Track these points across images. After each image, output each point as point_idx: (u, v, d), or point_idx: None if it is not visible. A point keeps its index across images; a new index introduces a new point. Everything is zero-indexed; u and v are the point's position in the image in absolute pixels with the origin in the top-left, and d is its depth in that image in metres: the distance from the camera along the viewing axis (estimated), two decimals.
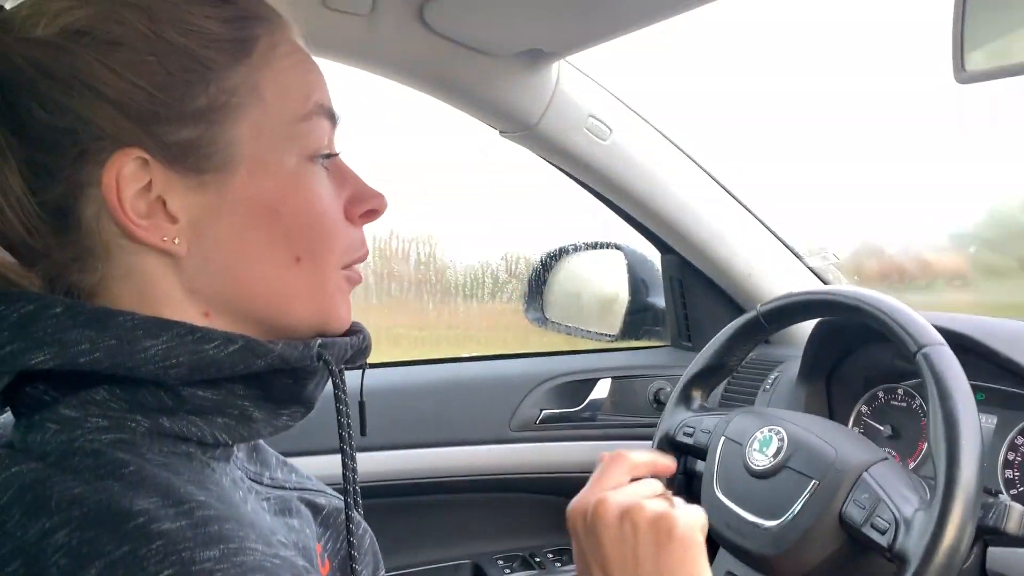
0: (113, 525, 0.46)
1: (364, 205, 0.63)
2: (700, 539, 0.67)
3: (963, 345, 0.99)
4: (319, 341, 0.59)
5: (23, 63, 0.54)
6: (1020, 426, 1.04)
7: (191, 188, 0.56)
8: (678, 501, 0.69)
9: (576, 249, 1.69)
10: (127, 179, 0.54)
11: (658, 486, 0.70)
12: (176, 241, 0.56)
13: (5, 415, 0.58)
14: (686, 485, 1.31)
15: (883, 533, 0.84)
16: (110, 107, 0.53)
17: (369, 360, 0.67)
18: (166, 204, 0.55)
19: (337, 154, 0.62)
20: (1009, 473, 1.03)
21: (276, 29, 0.59)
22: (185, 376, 0.54)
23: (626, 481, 0.71)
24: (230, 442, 0.57)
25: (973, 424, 0.84)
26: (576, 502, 0.70)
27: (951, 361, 0.89)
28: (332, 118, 0.62)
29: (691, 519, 0.66)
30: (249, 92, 0.57)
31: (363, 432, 0.78)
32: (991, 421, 1.06)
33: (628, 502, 0.67)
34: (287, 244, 0.58)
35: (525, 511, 1.48)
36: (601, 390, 1.55)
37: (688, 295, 1.54)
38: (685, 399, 1.18)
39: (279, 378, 0.58)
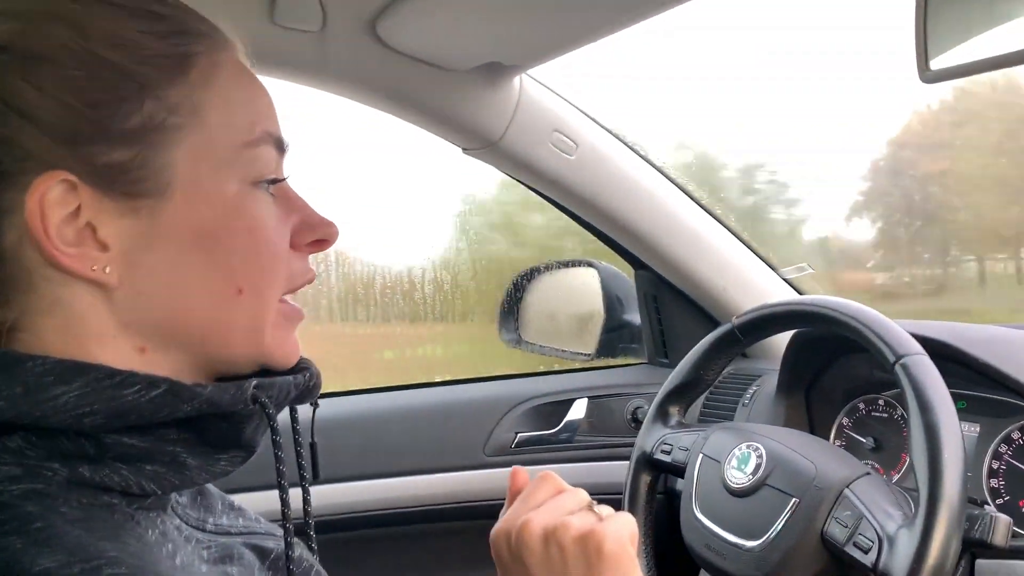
0: None
1: (312, 234, 0.61)
2: (631, 551, 0.64)
3: (942, 353, 0.97)
4: (254, 382, 0.55)
5: None
6: (1004, 433, 1.02)
7: (122, 213, 0.53)
8: (605, 510, 0.66)
9: (548, 268, 1.66)
10: (52, 204, 0.50)
11: (584, 496, 0.67)
12: (107, 270, 0.52)
13: None
14: (666, 504, 1.28)
15: (866, 552, 0.81)
16: (33, 127, 0.50)
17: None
18: (96, 231, 0.52)
19: (283, 179, 0.60)
20: (994, 482, 1.01)
21: (218, 47, 0.57)
22: (102, 424, 0.50)
23: (550, 498, 0.67)
24: (159, 491, 0.54)
25: (955, 436, 0.82)
26: (499, 526, 0.67)
27: (930, 370, 0.86)
28: (280, 146, 0.59)
29: (620, 531, 0.63)
30: (189, 113, 0.54)
31: (315, 475, 0.75)
32: (974, 429, 1.04)
33: (552, 522, 0.63)
34: (229, 274, 0.55)
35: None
36: (578, 410, 1.52)
37: (663, 311, 1.51)
38: (662, 416, 1.15)
39: (213, 422, 0.55)
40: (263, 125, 0.57)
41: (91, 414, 0.50)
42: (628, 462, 1.18)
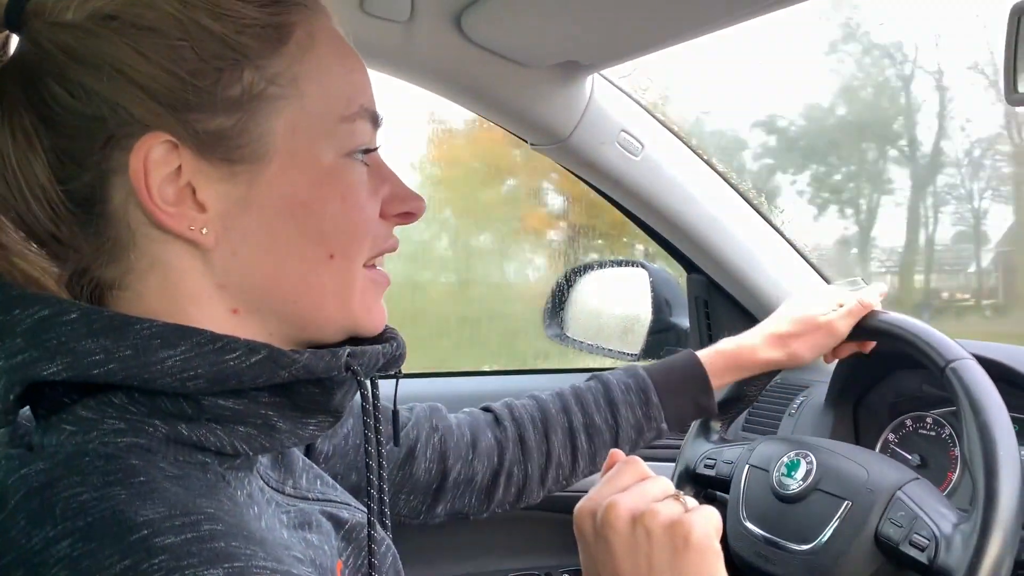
0: (116, 537, 0.45)
1: (401, 206, 0.62)
2: (717, 545, 0.64)
3: (998, 374, 0.98)
4: (348, 350, 0.57)
5: (52, 48, 0.53)
6: None
7: (221, 178, 0.54)
8: (690, 501, 0.66)
9: (600, 266, 1.67)
10: (155, 163, 0.52)
11: (669, 485, 0.68)
12: (204, 231, 0.54)
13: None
14: None
15: (922, 550, 0.83)
16: (140, 92, 0.52)
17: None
18: (195, 192, 0.54)
19: (376, 148, 0.61)
20: None
21: (314, 17, 0.57)
22: (204, 388, 0.52)
23: (636, 483, 0.68)
24: (250, 452, 0.55)
25: (1009, 434, 0.84)
26: (585, 502, 0.67)
27: (980, 374, 0.88)
28: (375, 121, 0.60)
29: (707, 524, 0.64)
30: (288, 84, 0.55)
31: (396, 442, 0.76)
32: None
33: (640, 507, 0.64)
34: (320, 240, 0.57)
35: (542, 530, 1.45)
36: None
37: (713, 316, 1.52)
38: (704, 431, 1.17)
39: (305, 387, 0.56)
40: (360, 99, 0.58)
41: (194, 378, 0.51)
42: (667, 463, 1.19)
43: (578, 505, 0.68)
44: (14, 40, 0.56)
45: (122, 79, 0.52)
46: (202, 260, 0.55)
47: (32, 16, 0.54)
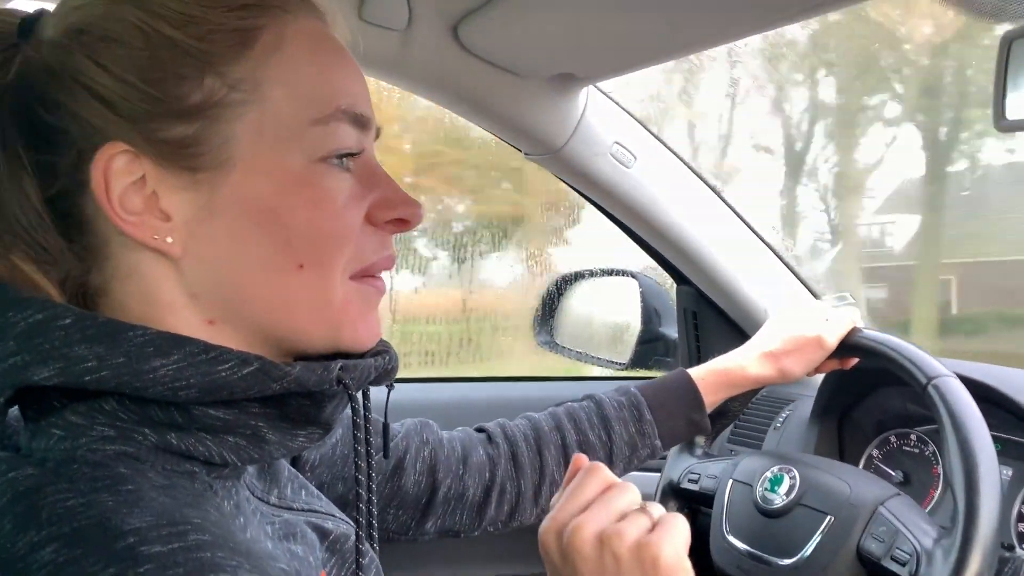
0: (102, 544, 0.45)
1: (391, 212, 0.60)
2: (686, 563, 0.63)
3: (978, 393, 0.99)
4: (339, 364, 0.56)
5: (36, 66, 0.54)
6: None
7: (184, 186, 0.54)
8: (656, 510, 0.65)
9: (591, 275, 1.68)
10: (116, 173, 0.52)
11: (635, 495, 0.66)
12: (168, 240, 0.54)
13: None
14: (692, 532, 1.28)
15: (903, 565, 0.84)
16: (98, 103, 0.52)
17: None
18: (159, 200, 0.54)
19: (358, 153, 0.58)
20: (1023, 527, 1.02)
21: (289, 19, 0.56)
22: (195, 398, 0.52)
23: (600, 493, 0.66)
24: (238, 463, 0.55)
25: (989, 451, 0.85)
26: (549, 522, 0.66)
27: (961, 392, 0.89)
28: (360, 123, 0.58)
29: (675, 542, 0.62)
30: (251, 88, 0.54)
31: (386, 454, 0.76)
32: (1006, 473, 1.05)
33: (606, 529, 0.63)
34: (288, 249, 0.55)
35: (529, 536, 1.45)
36: None
37: (702, 328, 1.53)
38: (688, 446, 1.17)
39: (296, 399, 0.56)
40: (339, 101, 0.56)
41: (186, 388, 0.51)
42: (653, 473, 1.20)
43: (542, 525, 0.66)
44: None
45: (83, 91, 0.52)
46: (174, 269, 0.55)
47: (33, 35, 0.55)
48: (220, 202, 0.54)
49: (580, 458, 0.71)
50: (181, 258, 0.54)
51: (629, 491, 0.66)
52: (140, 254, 0.54)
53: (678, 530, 0.63)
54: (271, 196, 0.54)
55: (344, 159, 0.57)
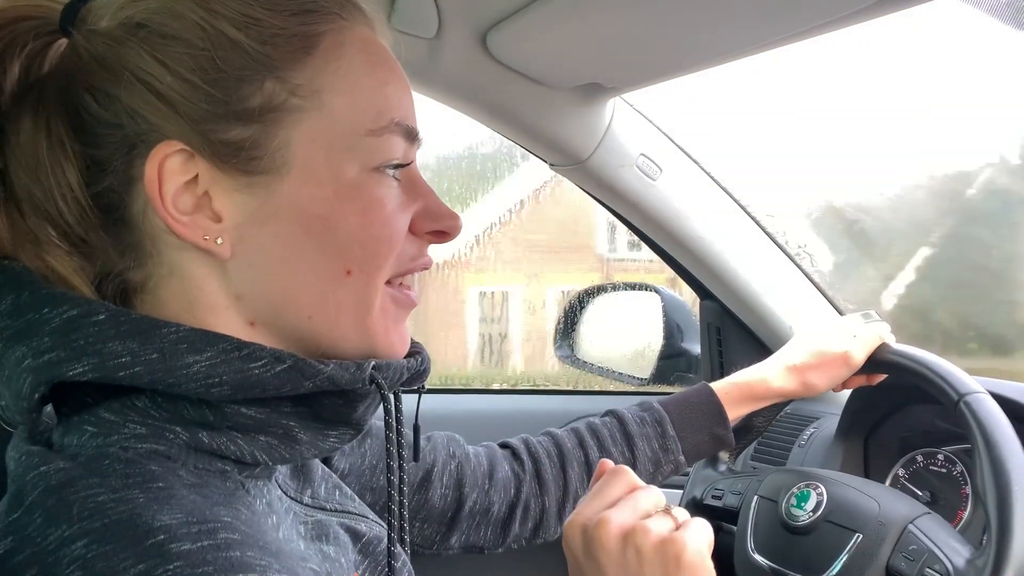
0: (132, 540, 0.45)
1: (434, 223, 0.61)
2: (709, 563, 0.63)
3: (1009, 410, 0.97)
4: (372, 363, 0.56)
5: (86, 55, 0.54)
6: None
7: (238, 188, 0.54)
8: (681, 514, 0.65)
9: (613, 288, 1.67)
10: (170, 172, 0.53)
11: (660, 497, 0.66)
12: (219, 241, 0.54)
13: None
14: (714, 550, 1.27)
15: None
16: (158, 101, 0.52)
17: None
18: (212, 201, 0.54)
19: (408, 164, 0.60)
20: None
21: (348, 27, 0.57)
22: (228, 395, 0.52)
23: (626, 494, 0.66)
24: (269, 462, 0.55)
25: (1021, 468, 0.83)
26: (575, 517, 0.66)
27: (994, 409, 0.88)
28: (410, 136, 0.59)
29: (699, 540, 0.63)
30: (310, 95, 0.55)
31: (416, 457, 0.76)
32: None
33: (630, 524, 0.63)
34: (338, 255, 0.56)
35: (552, 547, 1.44)
36: None
37: (725, 343, 1.52)
38: (712, 462, 1.17)
39: (328, 398, 0.56)
40: (392, 113, 0.57)
41: (219, 384, 0.51)
42: (674, 490, 1.18)
43: (567, 520, 0.66)
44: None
45: (141, 87, 0.52)
46: (219, 270, 0.55)
47: (79, 24, 0.55)
48: (273, 206, 0.54)
49: (606, 462, 0.71)
50: (229, 260, 0.55)
51: (654, 493, 0.67)
52: (186, 253, 0.55)
53: (702, 530, 0.64)
54: (324, 203, 0.55)
55: (394, 169, 0.58)
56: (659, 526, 0.63)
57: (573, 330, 1.70)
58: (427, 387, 0.65)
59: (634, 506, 0.64)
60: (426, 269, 0.62)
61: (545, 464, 0.97)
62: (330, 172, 0.55)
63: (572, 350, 1.71)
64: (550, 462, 0.97)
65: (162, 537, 0.45)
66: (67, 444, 0.52)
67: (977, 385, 0.91)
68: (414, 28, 1.00)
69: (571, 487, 0.97)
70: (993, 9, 0.82)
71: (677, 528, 0.63)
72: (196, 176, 0.53)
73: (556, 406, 1.58)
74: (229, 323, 0.56)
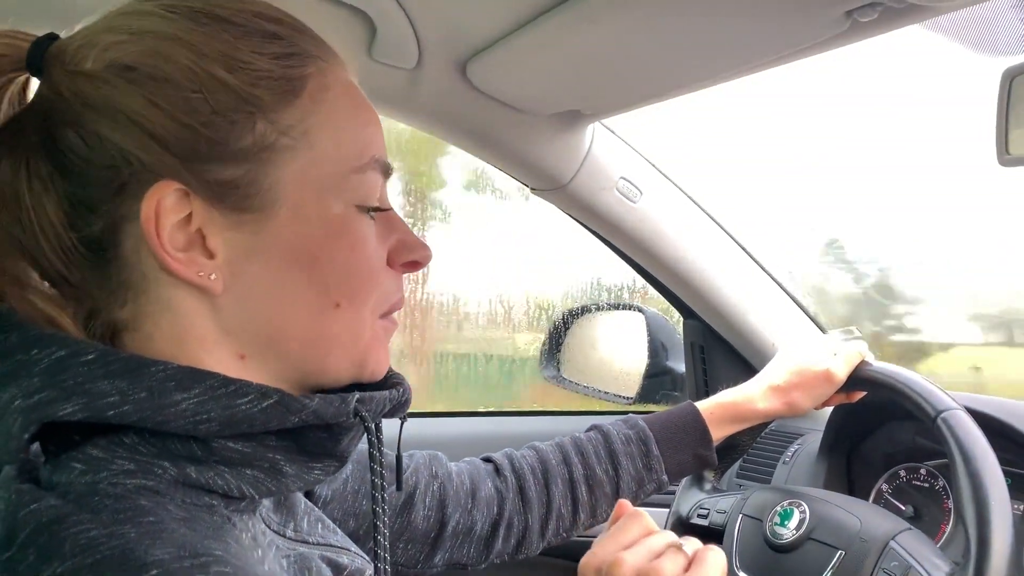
0: (125, 575, 0.45)
1: (409, 255, 0.63)
2: None
3: (987, 426, 0.99)
4: (356, 396, 0.57)
5: (70, 96, 0.54)
6: None
7: (230, 226, 0.55)
8: (692, 545, 0.67)
9: (598, 309, 1.68)
10: (166, 210, 0.53)
11: (674, 539, 0.68)
12: (212, 277, 0.55)
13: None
14: None
15: None
16: (153, 142, 0.53)
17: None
18: (205, 239, 0.55)
19: (388, 208, 0.62)
20: None
21: (328, 69, 0.58)
22: (215, 431, 0.52)
23: (641, 537, 0.68)
24: (256, 496, 0.56)
25: (999, 483, 0.85)
26: (590, 557, 0.67)
27: (970, 425, 0.90)
28: (386, 171, 0.61)
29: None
30: (300, 135, 0.56)
31: (398, 487, 0.76)
32: (1018, 508, 1.04)
33: (644, 565, 0.64)
34: (326, 289, 0.57)
35: (541, 572, 1.45)
36: None
37: (709, 362, 1.53)
38: (697, 480, 1.17)
39: (313, 431, 0.56)
40: (372, 151, 0.59)
41: (207, 421, 0.52)
42: (661, 509, 1.19)
43: (583, 560, 0.68)
44: (33, 84, 0.57)
45: (136, 129, 0.53)
46: (210, 305, 0.56)
47: (53, 62, 0.55)
48: (264, 242, 0.55)
49: (624, 504, 0.73)
50: (220, 295, 0.55)
51: (668, 537, 0.68)
52: (177, 290, 0.55)
53: (713, 567, 0.65)
54: (313, 239, 0.56)
55: (373, 210, 0.60)
56: (671, 565, 0.64)
57: (559, 350, 1.71)
58: (410, 411, 0.66)
59: (649, 548, 0.66)
60: (400, 308, 0.64)
61: (529, 481, 0.97)
62: (319, 209, 0.57)
63: (559, 370, 1.72)
64: (534, 478, 0.98)
65: (155, 572, 0.45)
66: (56, 481, 0.52)
67: (953, 402, 0.92)
68: (395, 59, 1.02)
69: (554, 504, 0.98)
70: (958, 36, 0.85)
71: (689, 566, 0.65)
72: (190, 214, 0.54)
73: (543, 427, 1.59)
74: (220, 357, 0.56)
